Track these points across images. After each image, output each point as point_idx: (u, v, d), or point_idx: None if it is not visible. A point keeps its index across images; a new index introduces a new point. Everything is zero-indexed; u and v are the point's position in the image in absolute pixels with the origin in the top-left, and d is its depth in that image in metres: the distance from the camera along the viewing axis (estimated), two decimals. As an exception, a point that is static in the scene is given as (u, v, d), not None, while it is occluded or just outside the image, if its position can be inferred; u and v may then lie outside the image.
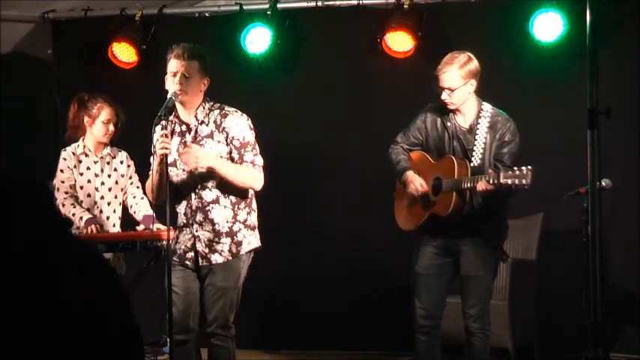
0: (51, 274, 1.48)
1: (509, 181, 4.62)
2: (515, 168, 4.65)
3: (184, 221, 4.77)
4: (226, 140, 4.68)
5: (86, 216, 5.53)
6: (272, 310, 7.15)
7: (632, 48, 6.47)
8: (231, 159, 4.69)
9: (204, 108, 4.72)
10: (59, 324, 1.46)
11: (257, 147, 4.75)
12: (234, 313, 4.77)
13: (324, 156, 7.17)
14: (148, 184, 4.83)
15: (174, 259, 4.77)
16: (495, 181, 4.66)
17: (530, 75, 6.70)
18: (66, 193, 5.61)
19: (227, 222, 4.72)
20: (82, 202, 5.66)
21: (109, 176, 5.77)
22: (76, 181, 5.68)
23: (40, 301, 1.46)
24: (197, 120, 4.71)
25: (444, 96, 4.90)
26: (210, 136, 4.69)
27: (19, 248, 1.48)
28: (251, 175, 4.70)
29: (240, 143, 4.68)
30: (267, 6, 6.98)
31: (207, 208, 4.70)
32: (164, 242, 4.93)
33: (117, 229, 5.78)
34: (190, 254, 4.74)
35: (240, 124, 4.70)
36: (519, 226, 6.40)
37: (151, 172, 4.76)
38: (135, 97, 6.88)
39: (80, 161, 5.70)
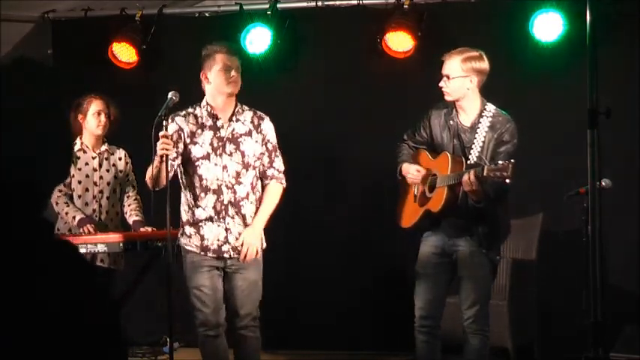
0: (39, 275, 1.47)
1: (492, 174, 4.61)
2: (499, 162, 4.64)
3: (211, 215, 4.86)
4: (262, 141, 4.92)
5: (79, 216, 5.56)
6: (272, 310, 7.13)
7: (632, 48, 6.47)
8: (261, 160, 4.91)
9: (239, 106, 4.94)
10: (46, 325, 1.45)
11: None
12: None
13: (324, 156, 7.17)
14: (148, 173, 4.89)
15: (210, 255, 4.88)
16: (480, 175, 4.65)
17: (530, 75, 6.70)
18: (60, 191, 5.66)
19: (252, 218, 4.92)
20: (80, 196, 5.71)
21: (108, 171, 5.82)
22: (72, 178, 5.71)
23: (27, 301, 1.45)
24: (235, 117, 4.89)
25: (442, 83, 4.94)
26: (249, 134, 4.90)
27: (7, 248, 1.48)
28: (278, 193, 5.00)
29: (272, 147, 4.95)
30: (267, 6, 6.98)
31: (240, 203, 4.87)
32: (165, 242, 4.96)
33: (115, 223, 5.81)
34: (225, 247, 4.87)
35: (272, 129, 5.00)
36: (519, 226, 6.39)
37: (152, 163, 4.81)
38: (135, 97, 6.88)
39: (78, 157, 5.76)
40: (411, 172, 5.07)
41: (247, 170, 4.87)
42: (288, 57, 7.13)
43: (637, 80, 6.40)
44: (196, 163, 4.84)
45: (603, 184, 4.94)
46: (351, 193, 7.12)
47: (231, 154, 4.85)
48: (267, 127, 4.97)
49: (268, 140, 4.94)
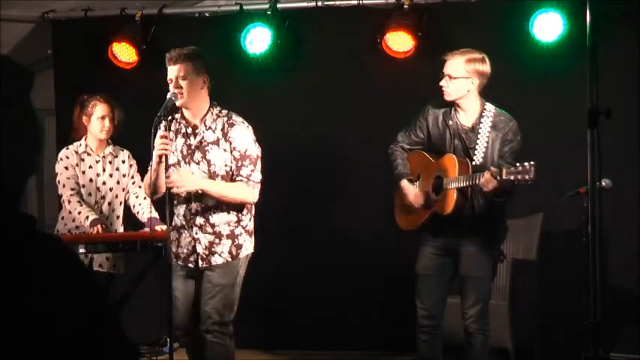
0: (27, 271, 1.47)
1: (512, 177, 4.63)
2: (518, 164, 4.65)
3: (183, 223, 4.79)
4: (229, 149, 4.69)
5: (92, 216, 5.55)
6: (272, 311, 7.15)
7: (632, 48, 6.47)
8: (231, 168, 4.70)
9: (212, 114, 4.73)
10: (37, 322, 1.45)
11: (258, 162, 4.75)
12: (233, 312, 4.77)
13: (323, 156, 7.17)
14: (146, 180, 4.85)
15: (179, 262, 4.80)
16: (498, 177, 4.65)
17: (530, 75, 6.70)
18: (72, 189, 5.66)
19: (229, 225, 4.74)
20: (85, 200, 5.70)
21: (111, 175, 5.80)
22: (78, 178, 5.72)
23: (16, 299, 1.45)
24: (205, 125, 4.72)
25: (443, 82, 4.93)
26: (216, 143, 4.70)
27: None
28: (242, 192, 4.70)
29: (240, 155, 4.68)
30: (267, 6, 6.98)
31: (207, 213, 4.73)
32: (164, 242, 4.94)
33: (116, 227, 5.80)
34: (193, 257, 4.77)
35: (245, 136, 4.72)
36: (519, 226, 6.39)
37: (149, 169, 4.78)
38: (135, 97, 6.88)
39: (82, 160, 5.75)
40: (410, 195, 5.09)
41: (215, 179, 4.71)
42: (288, 57, 7.13)
43: (637, 80, 6.40)
44: (170, 170, 4.73)
45: (603, 184, 4.94)
46: (351, 192, 7.11)
47: (198, 163, 4.72)
48: (236, 134, 4.70)
49: (234, 147, 4.68)
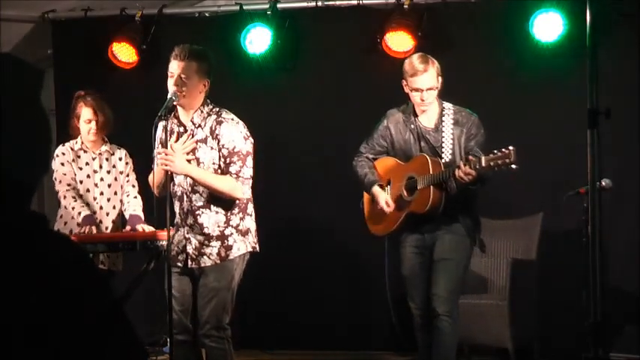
0: (37, 270, 1.48)
1: (492, 163, 4.65)
2: (496, 150, 4.67)
3: (178, 222, 4.76)
4: (218, 146, 4.62)
5: (84, 212, 5.54)
6: (272, 310, 7.15)
7: (632, 48, 6.47)
8: (219, 167, 4.63)
9: (201, 112, 4.66)
10: (50, 311, 1.46)
11: (249, 158, 4.64)
12: (229, 314, 4.71)
13: (324, 156, 7.17)
14: (151, 178, 4.80)
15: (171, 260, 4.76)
16: (477, 166, 4.67)
17: (530, 75, 6.70)
18: (68, 185, 5.67)
19: (218, 226, 4.66)
20: (81, 196, 5.70)
21: (108, 172, 5.81)
22: (75, 174, 5.73)
23: (26, 290, 1.45)
24: (194, 123, 4.66)
25: (426, 95, 4.95)
26: (205, 141, 4.63)
27: (3, 238, 1.48)
28: (230, 185, 4.59)
29: (228, 152, 4.60)
30: (267, 6, 6.99)
31: (196, 212, 4.66)
32: (164, 242, 4.92)
33: (117, 225, 5.80)
34: (182, 256, 4.71)
35: (233, 133, 4.62)
36: (519, 226, 6.39)
37: (153, 167, 4.73)
38: (135, 97, 6.89)
39: (78, 156, 5.76)
40: (381, 202, 5.11)
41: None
42: (288, 57, 7.13)
43: (637, 80, 6.40)
44: (173, 175, 4.69)
45: (603, 184, 4.95)
46: (351, 192, 7.10)
47: (189, 161, 4.63)
48: (224, 131, 4.59)
49: (223, 145, 4.58)
